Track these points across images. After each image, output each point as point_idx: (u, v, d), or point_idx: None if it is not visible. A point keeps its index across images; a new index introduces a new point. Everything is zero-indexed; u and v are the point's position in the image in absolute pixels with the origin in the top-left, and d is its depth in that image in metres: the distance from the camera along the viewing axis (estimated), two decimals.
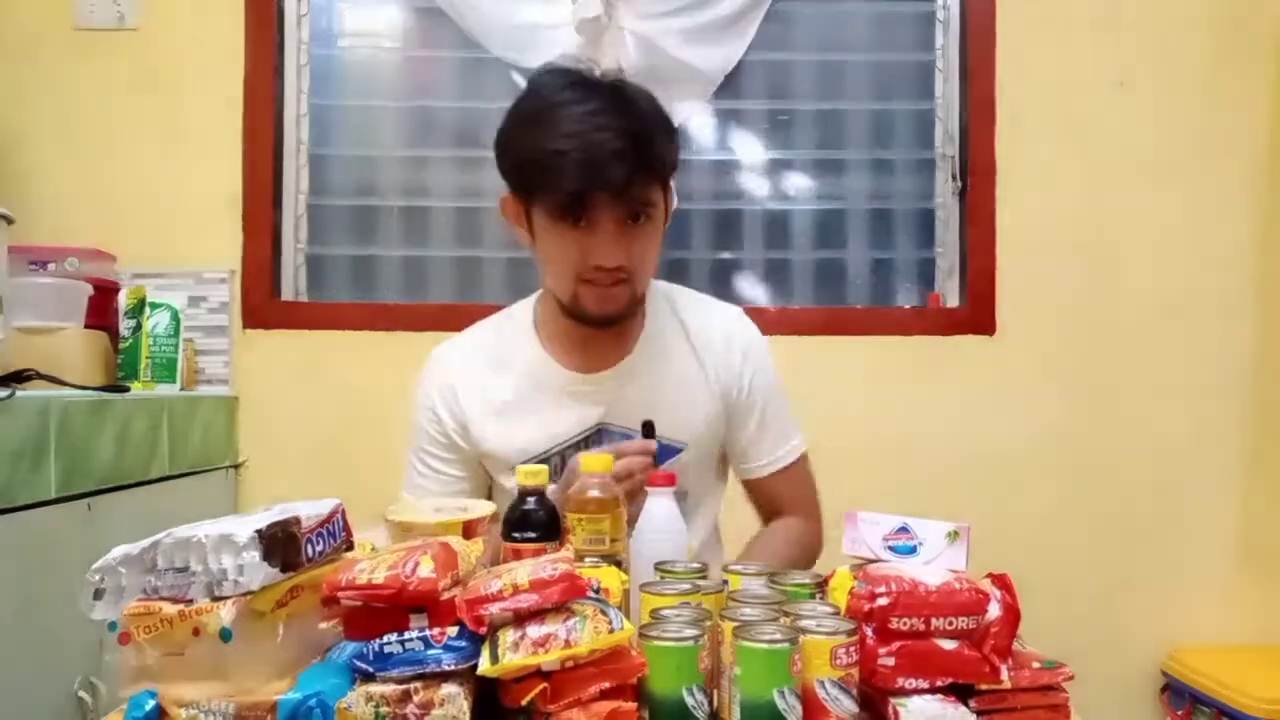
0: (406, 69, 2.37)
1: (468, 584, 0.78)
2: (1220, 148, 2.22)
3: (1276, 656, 2.10)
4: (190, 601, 0.75)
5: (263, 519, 0.78)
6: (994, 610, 0.84)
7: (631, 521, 1.03)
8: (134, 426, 1.73)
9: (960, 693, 0.81)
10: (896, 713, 0.79)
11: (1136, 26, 2.23)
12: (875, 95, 2.35)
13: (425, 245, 2.33)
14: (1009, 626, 0.84)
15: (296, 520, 0.81)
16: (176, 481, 1.88)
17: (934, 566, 0.89)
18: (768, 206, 2.35)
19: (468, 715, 0.71)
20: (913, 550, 0.93)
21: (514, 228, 1.26)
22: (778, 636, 0.74)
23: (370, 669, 0.72)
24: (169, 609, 0.74)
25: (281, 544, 0.78)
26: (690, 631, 0.76)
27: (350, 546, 0.88)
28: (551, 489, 1.12)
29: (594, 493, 0.99)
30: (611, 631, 0.73)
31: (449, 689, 0.71)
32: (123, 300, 1.97)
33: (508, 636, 0.73)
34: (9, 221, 1.59)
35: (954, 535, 0.92)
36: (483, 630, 0.74)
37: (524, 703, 0.71)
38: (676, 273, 2.25)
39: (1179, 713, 2.12)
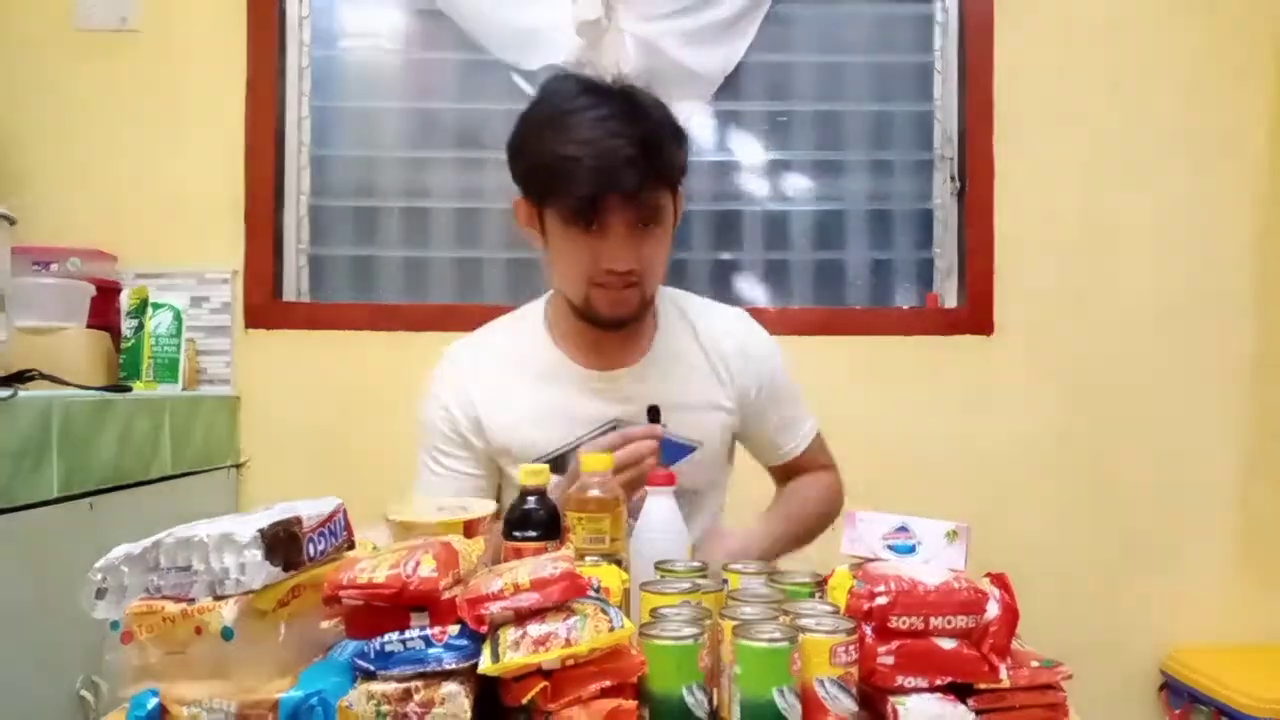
0: (407, 70, 2.37)
1: (469, 583, 0.79)
2: (1219, 148, 2.22)
3: (1275, 656, 2.10)
4: (192, 600, 0.75)
5: (264, 518, 0.79)
6: (993, 609, 0.84)
7: (636, 509, 1.04)
8: (136, 426, 1.73)
9: (959, 691, 0.82)
10: (895, 711, 0.79)
11: (1135, 27, 2.23)
12: (874, 96, 2.35)
13: (426, 246, 2.34)
14: (1008, 626, 0.84)
15: (298, 519, 0.81)
16: (178, 481, 1.88)
17: (933, 566, 0.89)
18: (767, 207, 2.35)
19: (468, 714, 0.71)
20: (912, 549, 0.93)
21: (526, 230, 1.28)
22: (777, 635, 0.74)
23: (371, 668, 0.72)
24: (171, 608, 0.74)
25: (283, 543, 0.78)
26: (690, 630, 0.76)
27: (351, 546, 0.89)
28: (556, 481, 1.12)
29: (594, 492, 1.00)
30: (612, 630, 0.73)
31: (450, 688, 0.71)
32: (125, 300, 1.97)
33: (508, 635, 0.73)
34: (11, 222, 1.60)
35: (953, 534, 0.92)
36: (484, 629, 0.74)
37: (525, 701, 0.71)
38: (676, 273, 2.25)
39: (1177, 712, 2.12)
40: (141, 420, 1.76)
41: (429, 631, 0.73)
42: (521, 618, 0.74)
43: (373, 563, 0.77)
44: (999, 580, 0.88)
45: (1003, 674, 0.82)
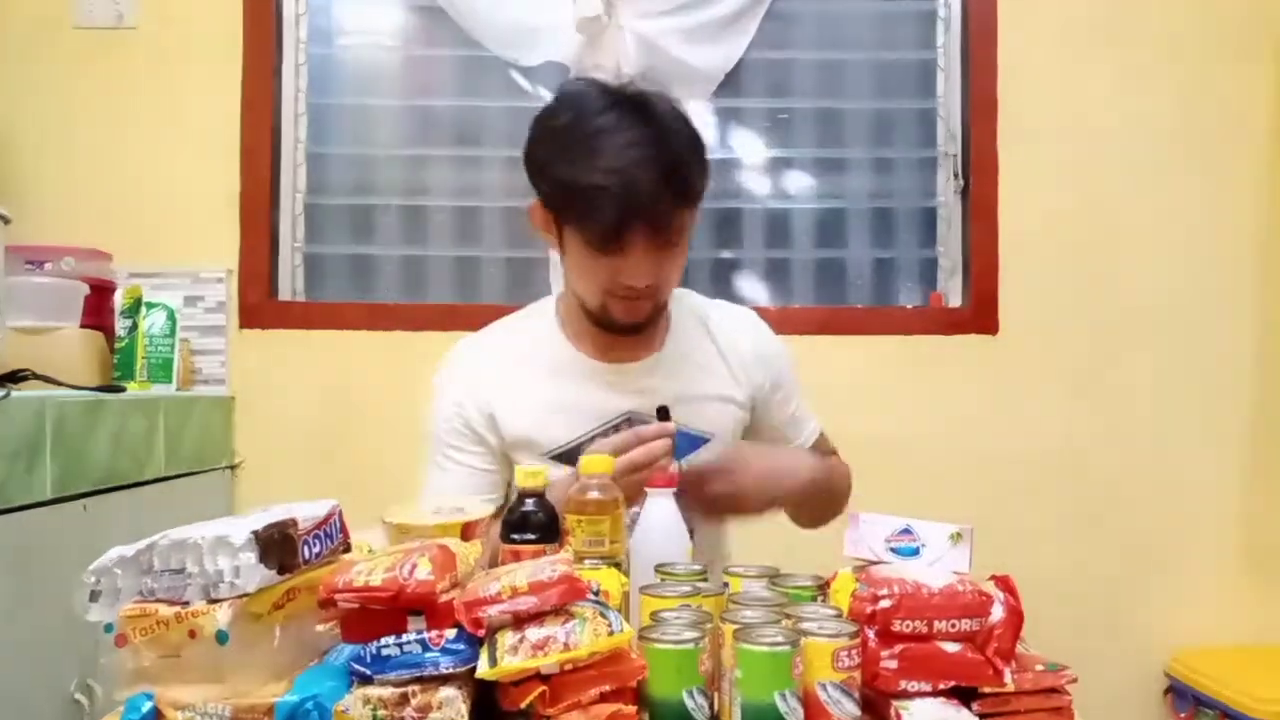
0: (405, 68, 2.36)
1: (466, 586, 0.78)
2: (1222, 147, 2.22)
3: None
4: (186, 604, 0.74)
5: (259, 520, 0.78)
6: (997, 612, 0.83)
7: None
8: (130, 427, 1.72)
9: (963, 695, 0.81)
10: (899, 715, 0.78)
11: (1137, 25, 2.23)
12: (876, 94, 2.34)
13: (424, 245, 2.33)
14: (1012, 629, 0.83)
15: (293, 522, 0.80)
16: (173, 482, 1.87)
17: (937, 568, 0.89)
18: (768, 205, 2.35)
19: (466, 718, 0.70)
20: (915, 552, 0.93)
21: (542, 235, 1.28)
22: (779, 639, 0.73)
23: (368, 671, 0.72)
24: (165, 611, 0.74)
25: (278, 546, 0.77)
26: (690, 634, 0.75)
27: (347, 548, 0.88)
28: (570, 473, 1.12)
29: (594, 494, 0.99)
30: (611, 634, 0.72)
31: (447, 692, 0.71)
32: (119, 300, 1.96)
33: (506, 639, 0.72)
34: (5, 221, 1.59)
35: (957, 537, 0.92)
36: (481, 633, 0.73)
37: (523, 706, 0.71)
38: None
39: (1183, 715, 2.11)
40: (136, 421, 1.75)
41: (426, 635, 0.73)
42: (520, 621, 0.74)
43: (369, 565, 0.77)
44: (1003, 583, 0.87)
45: (1007, 678, 0.81)
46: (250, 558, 0.74)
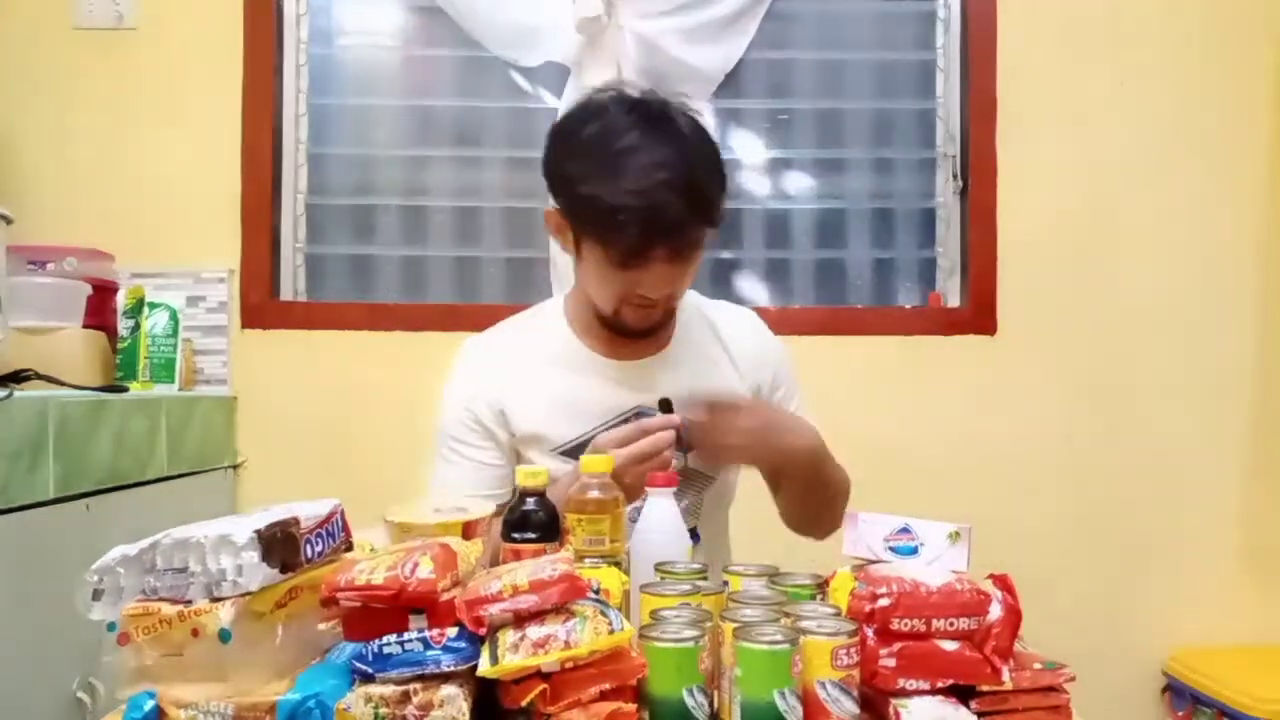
0: (405, 68, 2.36)
1: (467, 585, 0.78)
2: (1222, 147, 2.22)
3: (1278, 657, 2.10)
4: (189, 602, 0.75)
5: (261, 519, 0.78)
6: (995, 611, 0.84)
7: None
8: (132, 427, 1.73)
9: (961, 694, 0.81)
10: (897, 714, 0.78)
11: (1137, 25, 2.23)
12: (876, 94, 2.34)
13: (424, 245, 2.33)
14: (1010, 627, 0.84)
15: (295, 521, 0.81)
16: (175, 482, 1.87)
17: (935, 567, 0.89)
18: (768, 206, 2.35)
19: (467, 716, 0.70)
20: (914, 551, 0.93)
21: (558, 240, 1.29)
22: (778, 638, 0.74)
23: (369, 670, 0.72)
24: (168, 610, 0.74)
25: (280, 544, 0.78)
26: (690, 632, 0.76)
27: (349, 547, 0.88)
28: (573, 468, 1.12)
29: (594, 493, 0.99)
30: (611, 632, 0.73)
31: (448, 690, 0.71)
32: (121, 300, 1.96)
33: (507, 637, 0.72)
34: (7, 221, 1.59)
35: (955, 536, 0.92)
36: (482, 631, 0.74)
37: (524, 704, 0.71)
38: None
39: (1180, 714, 2.11)
40: (138, 421, 1.75)
41: (427, 633, 0.73)
42: (520, 620, 0.74)
43: (371, 564, 0.77)
44: (1001, 582, 0.87)
45: (1005, 676, 0.81)
46: (253, 556, 0.75)
